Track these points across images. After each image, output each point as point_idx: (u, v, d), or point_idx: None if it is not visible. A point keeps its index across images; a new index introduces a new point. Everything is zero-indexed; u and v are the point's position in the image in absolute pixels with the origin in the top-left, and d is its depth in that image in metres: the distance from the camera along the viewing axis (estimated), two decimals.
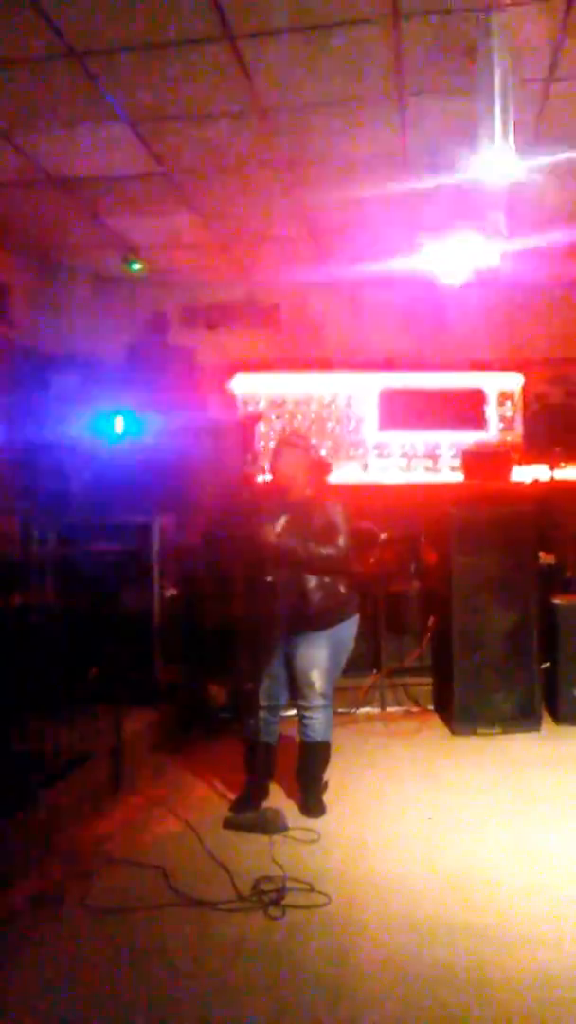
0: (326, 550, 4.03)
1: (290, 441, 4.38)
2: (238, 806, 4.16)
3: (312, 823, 4.01)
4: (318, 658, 4.11)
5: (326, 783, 4.29)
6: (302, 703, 4.16)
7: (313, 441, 7.63)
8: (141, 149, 4.98)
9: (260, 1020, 2.62)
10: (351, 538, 4.17)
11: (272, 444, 4.31)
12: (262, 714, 4.13)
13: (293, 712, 4.33)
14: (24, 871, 3.52)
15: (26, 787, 3.92)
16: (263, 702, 4.14)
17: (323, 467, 4.40)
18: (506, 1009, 2.64)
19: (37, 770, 4.04)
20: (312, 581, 4.07)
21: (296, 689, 4.17)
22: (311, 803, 4.19)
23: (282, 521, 3.99)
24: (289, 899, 3.28)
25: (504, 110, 3.69)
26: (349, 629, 4.22)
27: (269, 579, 3.99)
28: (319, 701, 4.13)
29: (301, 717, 4.19)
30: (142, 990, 2.79)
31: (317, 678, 4.10)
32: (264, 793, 4.15)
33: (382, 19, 3.76)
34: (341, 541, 4.07)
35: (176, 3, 3.62)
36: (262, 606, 4.01)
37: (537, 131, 4.65)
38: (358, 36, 3.89)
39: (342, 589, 4.16)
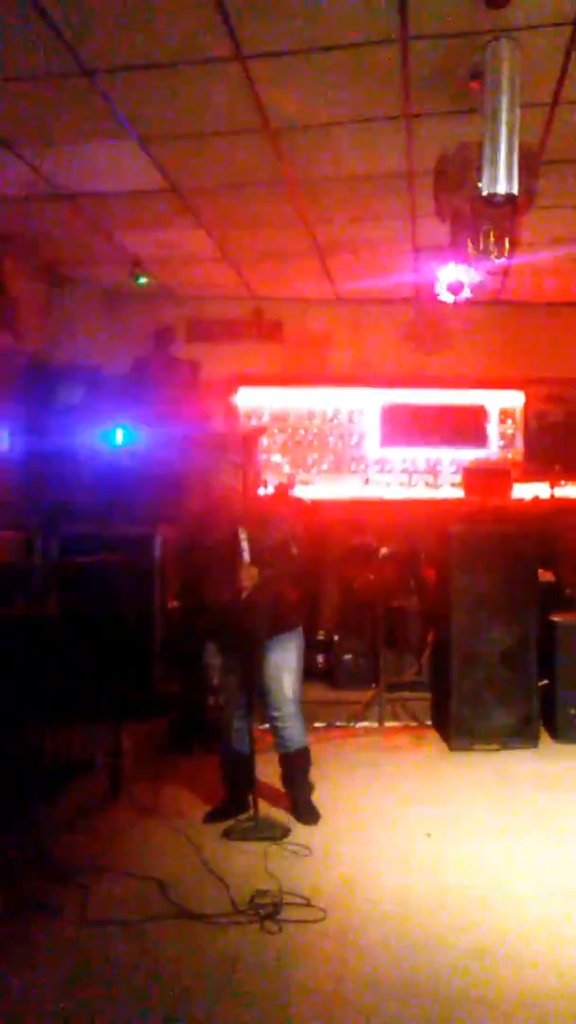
0: (286, 564, 4.15)
1: (228, 459, 4.51)
2: (214, 815, 4.21)
3: (308, 838, 4.02)
4: (288, 661, 4.20)
5: (313, 785, 4.33)
6: (274, 713, 4.20)
7: (312, 456, 7.72)
8: (150, 165, 5.03)
9: None
10: (301, 542, 4.29)
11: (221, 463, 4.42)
12: (237, 724, 4.19)
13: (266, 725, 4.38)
14: (21, 881, 3.52)
15: (24, 797, 3.92)
16: (238, 713, 4.19)
17: (252, 480, 4.58)
18: None
19: (35, 780, 4.05)
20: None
21: (266, 699, 4.20)
22: (303, 809, 4.24)
23: (243, 535, 4.06)
24: (285, 913, 3.28)
25: (509, 132, 3.74)
26: (301, 632, 4.35)
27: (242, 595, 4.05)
28: (291, 708, 4.19)
29: (276, 729, 4.23)
30: (137, 1002, 2.79)
31: (288, 682, 4.18)
32: (243, 804, 4.17)
33: (391, 41, 3.82)
34: (293, 549, 4.19)
35: (187, 23, 3.68)
36: (231, 617, 4.07)
37: (542, 153, 4.70)
38: (366, 57, 3.95)
39: (295, 595, 4.30)
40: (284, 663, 4.19)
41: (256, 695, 4.22)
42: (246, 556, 4.02)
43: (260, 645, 4.16)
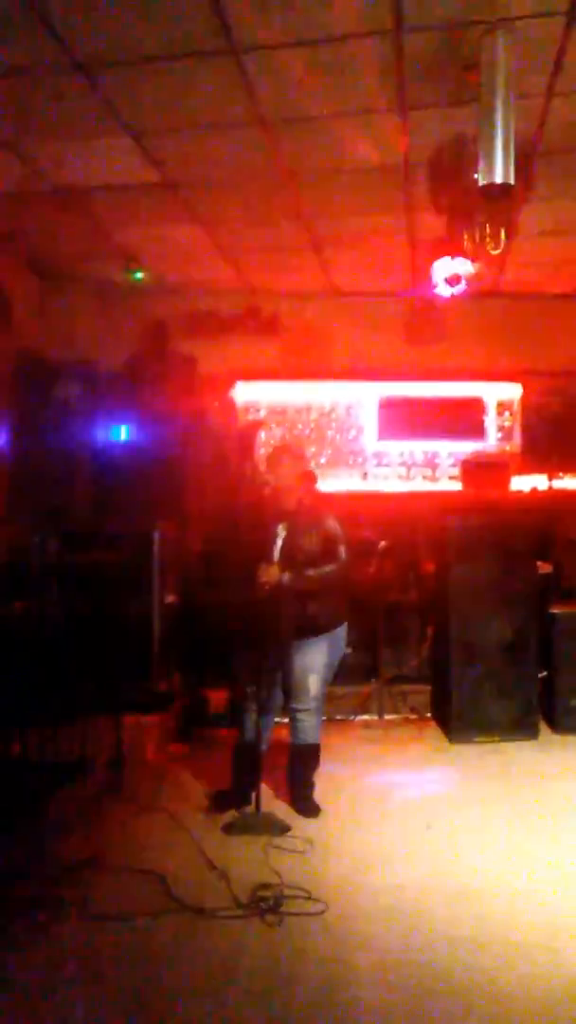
0: (327, 568, 4.13)
1: (288, 450, 4.45)
2: (217, 801, 4.25)
3: (309, 832, 4.03)
4: (316, 663, 4.21)
5: (313, 783, 4.34)
6: (294, 705, 4.24)
7: (311, 450, 7.72)
8: (144, 160, 5.01)
9: None
10: (350, 546, 4.27)
11: (267, 452, 4.36)
12: (254, 719, 4.18)
13: (281, 719, 4.39)
14: (24, 876, 3.53)
15: (26, 794, 3.93)
16: (256, 708, 4.18)
17: (312, 477, 4.48)
18: (503, 1019, 2.65)
19: (38, 777, 4.05)
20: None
21: (288, 692, 4.22)
22: (305, 804, 4.26)
23: (281, 532, 4.03)
24: (287, 907, 3.30)
25: (505, 124, 3.73)
26: (343, 633, 4.35)
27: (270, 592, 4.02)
28: (311, 704, 4.23)
29: (293, 720, 4.26)
30: (140, 997, 2.79)
31: (313, 683, 4.20)
32: (246, 796, 4.17)
33: (386, 32, 3.80)
34: (342, 552, 4.19)
35: (181, 17, 3.66)
36: (263, 616, 4.05)
37: (536, 144, 4.69)
38: (361, 49, 3.93)
39: (339, 596, 4.26)
40: (311, 666, 4.19)
41: (277, 692, 4.23)
42: (275, 554, 3.99)
43: (286, 645, 4.14)
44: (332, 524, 4.22)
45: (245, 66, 4.04)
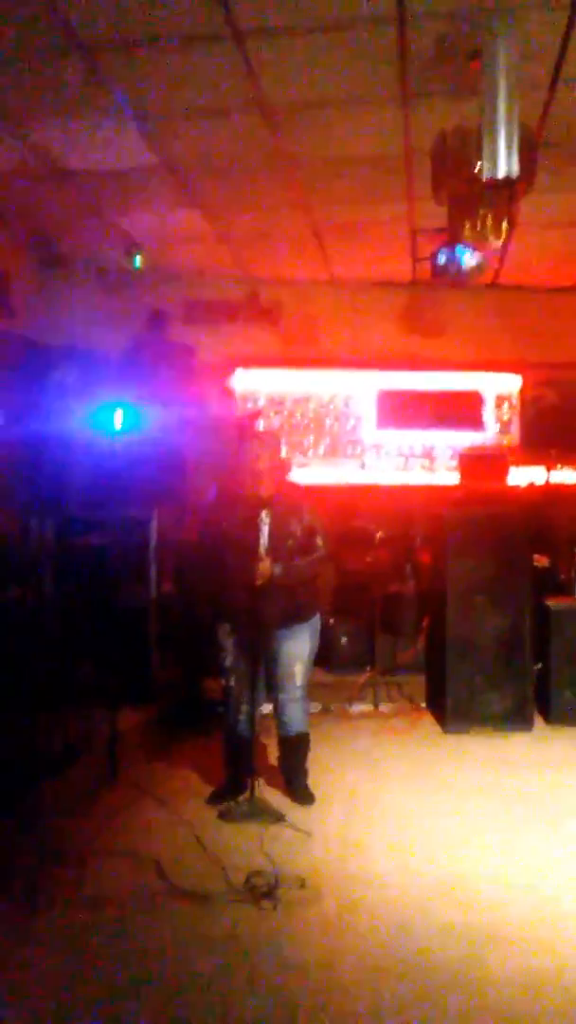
0: (309, 558, 4.17)
1: (264, 438, 4.46)
2: (215, 798, 4.26)
3: (303, 820, 4.05)
4: (301, 652, 4.24)
5: (306, 770, 4.37)
6: (281, 695, 4.25)
7: (309, 439, 7.72)
8: (145, 144, 4.98)
9: (252, 1012, 2.66)
10: (330, 535, 4.32)
11: (244, 441, 4.37)
12: (244, 708, 4.18)
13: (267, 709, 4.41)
14: (20, 862, 3.54)
15: (23, 780, 3.94)
16: (245, 697, 4.19)
17: (286, 466, 4.51)
18: (494, 1009, 2.67)
19: (33, 763, 4.07)
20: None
21: (274, 683, 4.24)
22: (300, 792, 4.29)
23: (265, 520, 4.02)
24: (281, 893, 3.31)
25: (508, 114, 3.70)
26: (319, 620, 4.39)
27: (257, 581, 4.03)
28: (298, 693, 4.25)
29: (280, 711, 4.28)
30: (135, 980, 2.81)
31: (299, 671, 4.23)
32: (242, 787, 4.19)
33: (388, 19, 3.77)
34: (320, 541, 4.22)
35: (184, 0, 3.62)
36: (248, 604, 4.06)
37: (539, 135, 4.66)
38: (365, 36, 3.90)
39: (318, 584, 4.36)
40: (297, 653, 4.22)
41: (265, 681, 4.24)
42: (263, 542, 4.00)
43: (273, 634, 4.16)
44: (309, 513, 4.25)
45: (248, 51, 4.00)
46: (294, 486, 4.46)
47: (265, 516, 4.02)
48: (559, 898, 3.37)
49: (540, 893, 3.41)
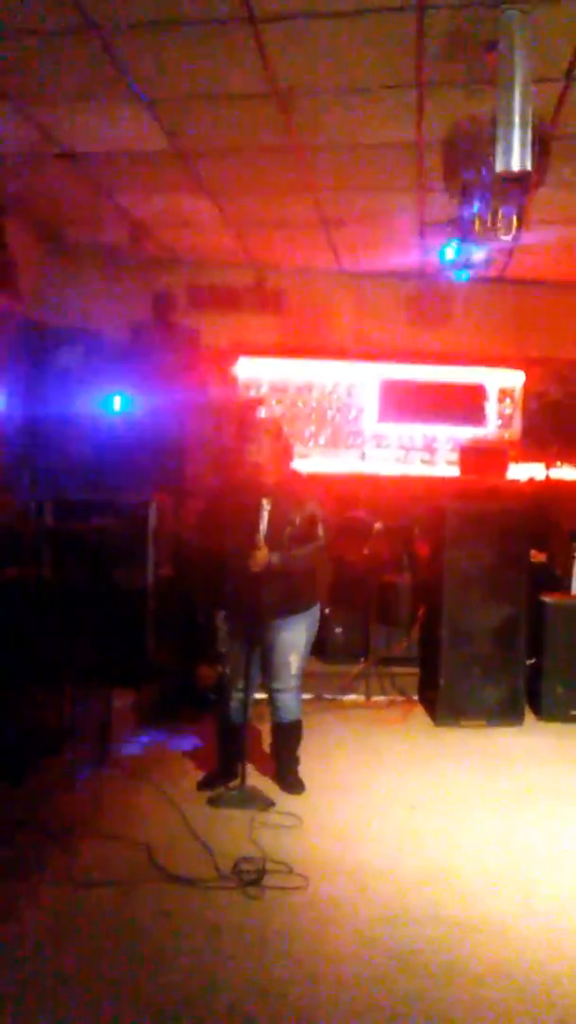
0: (308, 548, 4.15)
1: (268, 425, 4.44)
2: (206, 783, 4.28)
3: (293, 808, 4.07)
4: (297, 641, 4.23)
5: (298, 759, 4.38)
6: (276, 685, 4.26)
7: (311, 429, 7.71)
8: (155, 127, 4.94)
9: (237, 998, 2.68)
10: (330, 526, 4.30)
11: (247, 427, 4.35)
12: (237, 695, 4.20)
13: (261, 696, 4.42)
14: (8, 843, 3.56)
15: (15, 760, 3.96)
16: (239, 684, 4.20)
17: (290, 454, 4.48)
18: (477, 999, 2.70)
19: (26, 743, 4.08)
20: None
21: (270, 672, 4.25)
22: (290, 780, 4.30)
23: (266, 506, 4.01)
24: (268, 880, 3.34)
25: (523, 108, 3.68)
26: (318, 610, 4.38)
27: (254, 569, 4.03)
28: (293, 682, 4.26)
29: (274, 699, 4.29)
30: (121, 964, 2.84)
31: (295, 660, 4.23)
32: (233, 773, 4.21)
33: (406, 8, 3.74)
34: (320, 531, 4.19)
35: None
36: (245, 592, 4.07)
37: (553, 129, 4.64)
38: (381, 24, 3.87)
39: (317, 574, 4.30)
40: (293, 642, 4.21)
41: (259, 669, 4.25)
42: (262, 529, 3.99)
43: (270, 623, 4.17)
44: (312, 502, 4.23)
45: (262, 36, 3.97)
46: (297, 475, 4.44)
47: (266, 504, 4.01)
48: (548, 890, 3.39)
49: (528, 884, 3.43)
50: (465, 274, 5.61)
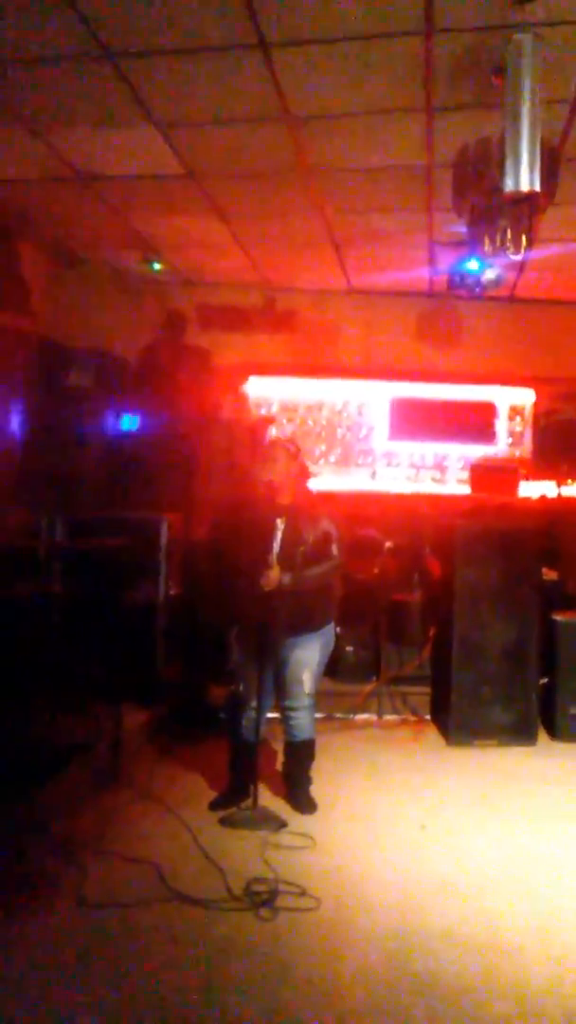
0: (322, 567, 4.16)
1: (284, 445, 4.46)
2: (217, 803, 4.25)
3: (305, 828, 4.05)
4: (311, 660, 4.23)
5: (310, 778, 4.37)
6: (289, 703, 4.25)
7: (321, 448, 7.73)
8: (168, 151, 5.01)
9: (249, 1020, 2.65)
10: (344, 544, 4.30)
11: (263, 447, 4.38)
12: (250, 713, 4.18)
13: (273, 714, 4.41)
14: (19, 861, 3.55)
15: (25, 777, 3.96)
16: (252, 702, 4.19)
17: (307, 473, 4.50)
18: (495, 1018, 2.67)
19: (37, 761, 4.08)
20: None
21: (283, 689, 4.24)
22: (302, 800, 4.28)
23: (280, 526, 4.02)
24: (280, 901, 3.32)
25: (531, 129, 3.71)
26: (333, 629, 4.38)
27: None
28: (306, 701, 4.24)
29: (287, 717, 4.28)
30: (132, 984, 2.82)
31: (308, 679, 4.22)
32: (244, 792, 4.19)
33: (415, 32, 3.79)
34: (335, 550, 4.20)
35: (211, 10, 3.65)
36: (258, 610, 4.07)
37: (561, 150, 4.67)
38: (390, 48, 3.92)
39: (332, 593, 4.33)
40: (306, 660, 4.21)
41: (273, 687, 4.25)
42: (275, 548, 4.00)
43: (283, 641, 4.16)
44: (327, 521, 4.24)
45: (273, 61, 4.04)
46: (312, 494, 4.45)
47: (280, 523, 4.02)
48: (559, 908, 3.35)
49: (540, 906, 3.39)
50: (475, 293, 5.63)
